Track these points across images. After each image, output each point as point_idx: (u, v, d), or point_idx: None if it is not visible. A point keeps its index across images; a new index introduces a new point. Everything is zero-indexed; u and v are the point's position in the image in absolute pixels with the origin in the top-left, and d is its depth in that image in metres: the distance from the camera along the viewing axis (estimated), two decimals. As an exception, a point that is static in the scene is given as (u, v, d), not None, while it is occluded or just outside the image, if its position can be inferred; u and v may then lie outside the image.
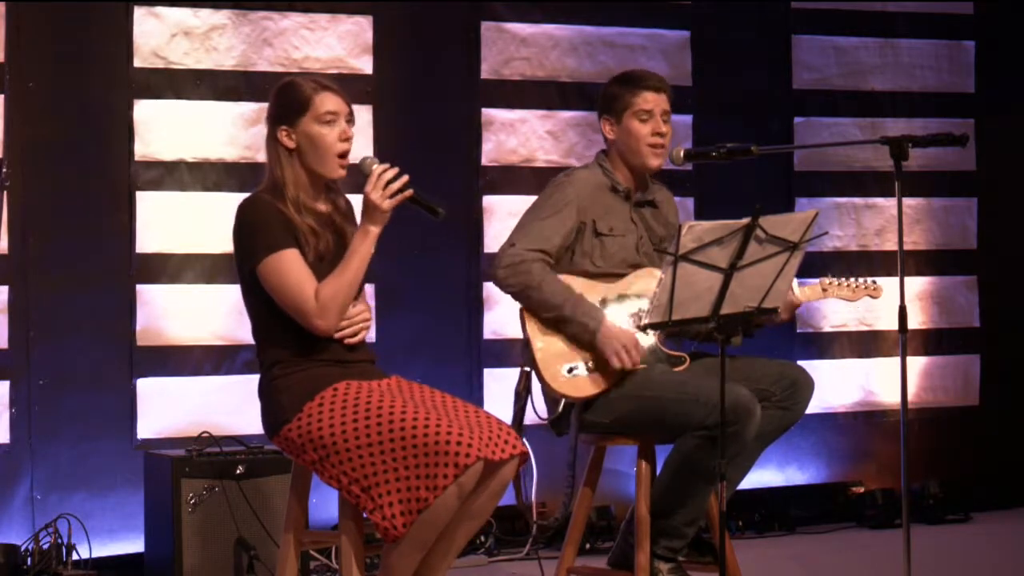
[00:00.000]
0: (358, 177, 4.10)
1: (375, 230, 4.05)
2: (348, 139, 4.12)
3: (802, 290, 4.76)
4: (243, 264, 4.09)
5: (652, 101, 4.73)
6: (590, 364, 4.58)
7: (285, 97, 4.14)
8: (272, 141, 4.14)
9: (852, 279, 4.85)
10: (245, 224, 4.07)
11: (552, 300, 4.57)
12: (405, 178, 4.04)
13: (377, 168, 4.04)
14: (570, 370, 4.57)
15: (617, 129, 4.76)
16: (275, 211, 4.05)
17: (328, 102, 4.11)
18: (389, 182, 4.02)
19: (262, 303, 4.08)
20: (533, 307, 4.60)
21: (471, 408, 4.06)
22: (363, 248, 4.05)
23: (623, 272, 4.72)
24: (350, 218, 4.24)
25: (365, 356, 4.19)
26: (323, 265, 4.07)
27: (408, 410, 3.93)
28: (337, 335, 4.10)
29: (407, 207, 4.06)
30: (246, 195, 4.14)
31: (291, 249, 4.03)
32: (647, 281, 4.65)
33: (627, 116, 4.73)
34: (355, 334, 4.14)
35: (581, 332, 4.56)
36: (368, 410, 3.95)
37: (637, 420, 4.53)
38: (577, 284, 4.64)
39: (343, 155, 4.12)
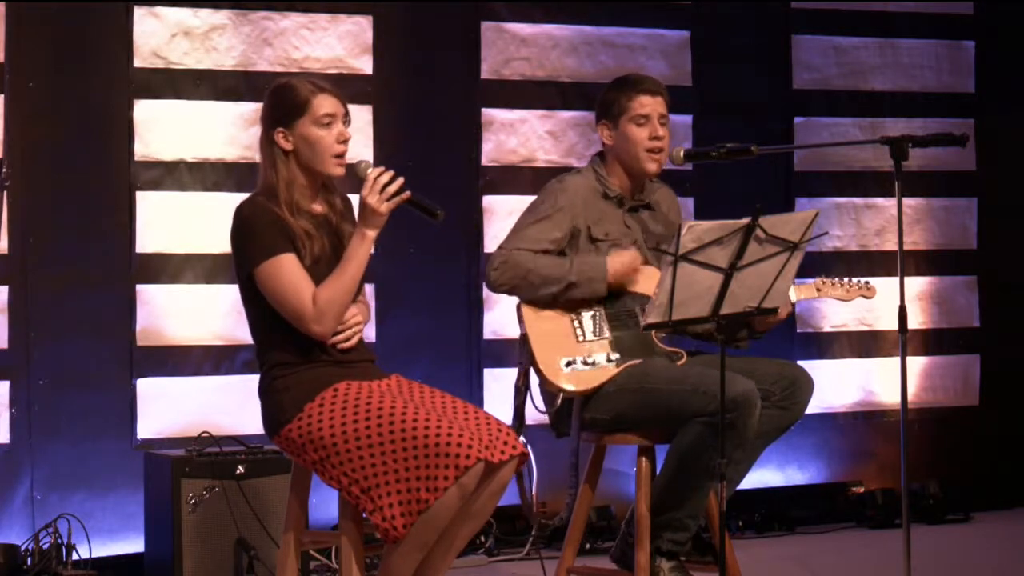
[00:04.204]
0: (355, 178, 4.10)
1: (372, 234, 4.04)
2: (345, 140, 4.11)
3: (796, 289, 4.76)
4: (241, 268, 4.08)
5: (649, 105, 4.70)
6: (588, 359, 4.58)
7: (281, 99, 4.11)
8: (267, 143, 4.11)
9: (846, 279, 4.85)
10: (242, 228, 4.05)
11: (553, 274, 4.57)
12: (401, 180, 4.02)
13: (372, 172, 4.03)
14: (568, 364, 4.56)
15: (615, 134, 4.73)
16: (271, 214, 4.03)
17: (326, 104, 4.09)
18: (385, 185, 4.00)
19: (260, 307, 4.07)
20: (535, 290, 4.58)
21: (471, 409, 4.06)
22: (360, 252, 4.04)
23: None
24: (348, 217, 4.22)
25: (364, 356, 4.19)
26: (320, 267, 4.06)
27: (408, 411, 3.93)
28: (331, 340, 4.09)
29: (405, 210, 4.06)
30: (246, 195, 4.14)
31: (288, 254, 4.01)
32: (642, 280, 4.65)
33: (624, 121, 4.71)
34: (348, 339, 4.13)
35: (592, 290, 4.56)
36: (368, 410, 3.94)
37: (638, 414, 4.52)
38: None
39: (340, 156, 4.10)
